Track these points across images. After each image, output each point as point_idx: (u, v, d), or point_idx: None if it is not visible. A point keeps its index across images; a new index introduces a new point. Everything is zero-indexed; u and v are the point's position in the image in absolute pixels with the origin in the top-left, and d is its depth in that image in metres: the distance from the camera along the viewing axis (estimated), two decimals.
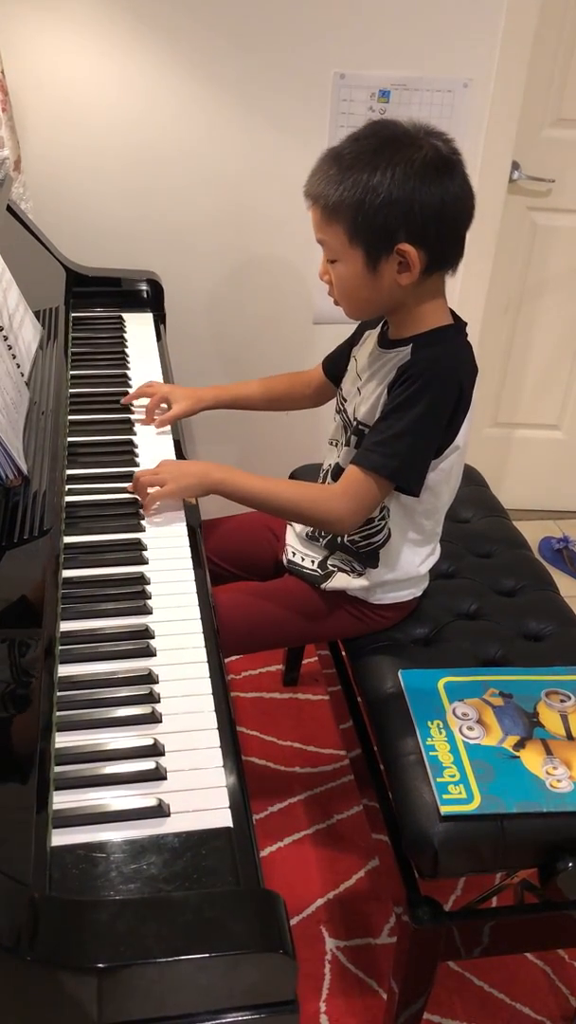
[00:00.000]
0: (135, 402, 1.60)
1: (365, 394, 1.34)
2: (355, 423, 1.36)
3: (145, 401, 1.58)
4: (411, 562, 1.41)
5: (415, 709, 1.28)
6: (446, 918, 1.22)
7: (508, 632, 1.47)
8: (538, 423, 2.69)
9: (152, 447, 1.49)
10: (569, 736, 1.25)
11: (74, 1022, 0.72)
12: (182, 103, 1.96)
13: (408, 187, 1.14)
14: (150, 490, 1.32)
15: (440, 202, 1.15)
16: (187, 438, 1.62)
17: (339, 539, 1.42)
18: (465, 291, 2.27)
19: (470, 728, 1.25)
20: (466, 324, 1.31)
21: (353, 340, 1.47)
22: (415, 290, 1.23)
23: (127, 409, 1.58)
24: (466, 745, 1.22)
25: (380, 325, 1.36)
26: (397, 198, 1.14)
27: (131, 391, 1.63)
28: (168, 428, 1.54)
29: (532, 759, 1.21)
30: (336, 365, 1.51)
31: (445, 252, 1.21)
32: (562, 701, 1.30)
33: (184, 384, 1.65)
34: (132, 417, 1.57)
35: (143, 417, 1.56)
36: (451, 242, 1.20)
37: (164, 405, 1.58)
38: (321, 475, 1.51)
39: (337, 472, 1.41)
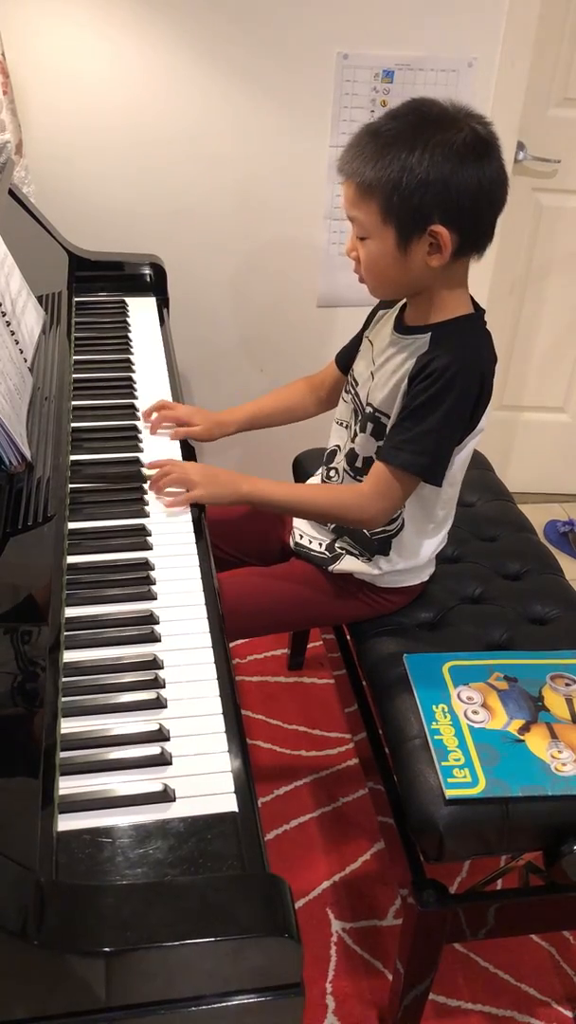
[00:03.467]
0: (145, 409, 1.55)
1: (380, 380, 1.33)
2: (369, 409, 1.35)
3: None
4: (423, 551, 1.42)
5: (420, 693, 1.29)
6: (451, 901, 1.22)
7: (513, 616, 1.47)
8: (544, 406, 2.68)
9: (157, 435, 1.49)
10: (574, 720, 1.25)
11: (82, 1005, 0.73)
12: (184, 85, 1.95)
13: (446, 168, 1.13)
14: (175, 488, 1.31)
15: (477, 185, 1.15)
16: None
17: (360, 529, 1.42)
18: (470, 273, 2.24)
19: (475, 712, 1.25)
20: (484, 311, 1.30)
21: (365, 325, 1.46)
22: (442, 274, 1.22)
23: (131, 395, 1.58)
24: (471, 729, 1.22)
25: (398, 308, 1.35)
26: (435, 179, 1.13)
27: (134, 376, 1.62)
28: (174, 424, 1.53)
29: (537, 743, 1.21)
30: (349, 356, 1.50)
31: (477, 236, 1.20)
32: (567, 685, 1.30)
33: (190, 368, 1.64)
34: (136, 403, 1.56)
35: (160, 422, 1.51)
36: (484, 226, 1.20)
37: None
38: (326, 454, 1.50)
39: (352, 456, 1.40)
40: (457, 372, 1.21)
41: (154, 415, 1.50)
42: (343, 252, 1.30)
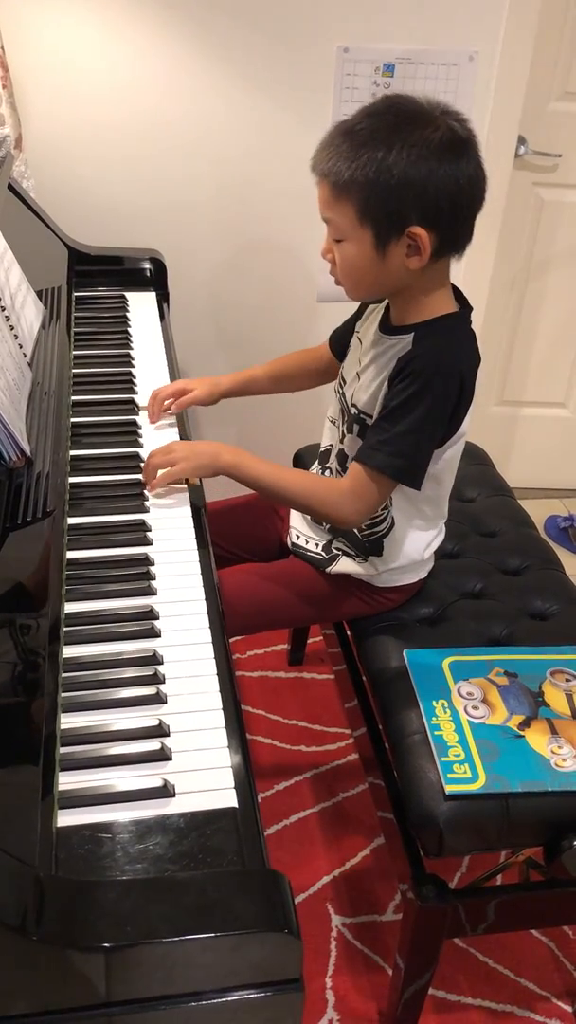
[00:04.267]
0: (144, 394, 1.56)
1: (364, 381, 1.32)
2: (353, 410, 1.34)
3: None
4: (416, 548, 1.41)
5: (420, 688, 1.28)
6: (451, 896, 1.22)
7: (513, 611, 1.47)
8: (544, 401, 2.68)
9: (155, 427, 1.49)
10: (574, 715, 1.25)
11: (82, 1000, 0.73)
12: (185, 80, 1.94)
13: (424, 168, 1.10)
14: (161, 471, 1.31)
15: (456, 185, 1.12)
16: (190, 419, 1.61)
17: (337, 527, 1.42)
18: (470, 267, 2.25)
19: (475, 707, 1.25)
20: (471, 309, 1.29)
21: (358, 315, 1.45)
22: (421, 274, 1.20)
23: (131, 390, 1.57)
24: (471, 724, 1.22)
25: (384, 307, 1.34)
26: (412, 179, 1.10)
27: (134, 371, 1.62)
28: (173, 413, 1.53)
29: (537, 738, 1.21)
30: (341, 341, 1.49)
31: (456, 236, 1.18)
32: (567, 680, 1.30)
33: (190, 364, 1.64)
34: (136, 398, 1.56)
35: (155, 405, 1.52)
36: (463, 226, 1.17)
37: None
38: (320, 453, 1.50)
39: (342, 458, 1.40)
40: (435, 373, 1.20)
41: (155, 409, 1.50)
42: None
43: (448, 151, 1.11)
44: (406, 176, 1.10)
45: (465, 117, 1.14)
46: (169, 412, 1.52)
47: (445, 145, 1.10)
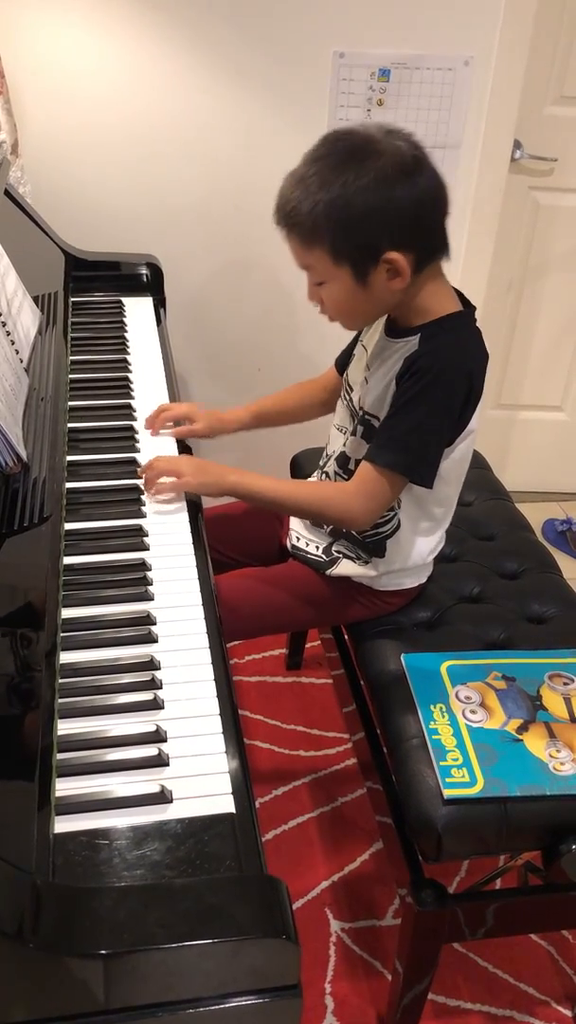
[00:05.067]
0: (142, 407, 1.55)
1: (372, 383, 1.32)
2: (362, 412, 1.34)
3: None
4: (420, 552, 1.41)
5: (418, 693, 1.28)
6: (450, 900, 1.22)
7: (511, 615, 1.47)
8: (541, 404, 2.68)
9: (154, 431, 1.49)
10: (572, 719, 1.25)
11: (80, 1007, 0.72)
12: (181, 85, 1.94)
13: (381, 195, 1.12)
14: (166, 479, 1.31)
15: (416, 203, 1.14)
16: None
17: (345, 529, 1.42)
18: (467, 271, 2.25)
19: (473, 711, 1.25)
20: (475, 308, 1.29)
21: (359, 332, 1.46)
22: (412, 287, 1.21)
23: (128, 395, 1.58)
24: (469, 728, 1.22)
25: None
26: (373, 208, 1.12)
27: (131, 376, 1.62)
28: (173, 424, 1.53)
29: (535, 742, 1.21)
30: (347, 361, 1.50)
31: (431, 247, 1.19)
32: (565, 684, 1.30)
33: (186, 369, 1.64)
34: (133, 403, 1.56)
35: (157, 422, 1.50)
36: (435, 236, 1.19)
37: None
38: (323, 459, 1.50)
39: (343, 459, 1.40)
40: (442, 370, 1.21)
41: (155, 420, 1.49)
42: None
43: (401, 173, 1.12)
44: (367, 207, 1.12)
45: (409, 132, 1.16)
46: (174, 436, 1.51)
47: (396, 168, 1.12)
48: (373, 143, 1.13)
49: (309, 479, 1.64)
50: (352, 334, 1.47)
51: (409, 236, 1.15)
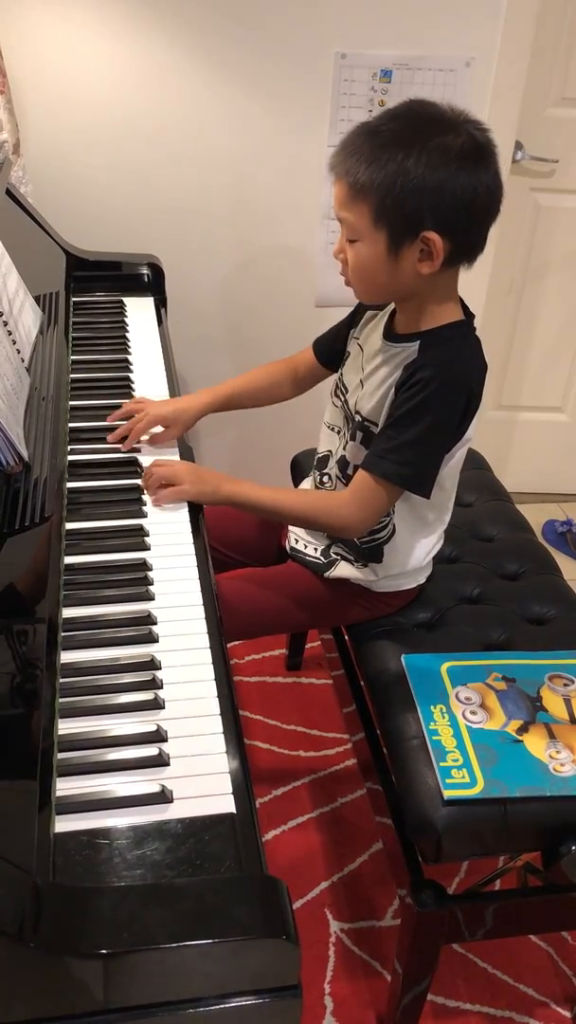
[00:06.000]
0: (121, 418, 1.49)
1: (369, 388, 1.32)
2: (358, 418, 1.34)
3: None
4: (416, 555, 1.41)
5: (418, 693, 1.28)
6: (449, 901, 1.22)
7: (511, 616, 1.47)
8: (542, 406, 2.68)
9: (152, 431, 1.48)
10: (572, 720, 1.25)
11: (80, 1007, 0.72)
12: (183, 85, 1.94)
13: (442, 174, 1.10)
14: (164, 487, 1.31)
15: (473, 192, 1.12)
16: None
17: (340, 536, 1.42)
18: (468, 272, 2.24)
19: (473, 712, 1.25)
20: (474, 317, 1.29)
21: (351, 322, 1.45)
22: (431, 282, 1.20)
23: (129, 395, 1.57)
24: (469, 729, 1.22)
25: (387, 314, 1.34)
26: (430, 184, 1.10)
27: (132, 376, 1.62)
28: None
29: (535, 743, 1.21)
30: (330, 349, 1.49)
31: (469, 245, 1.18)
32: (565, 685, 1.30)
33: (188, 369, 1.63)
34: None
35: (132, 438, 1.44)
36: (477, 236, 1.17)
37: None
38: (317, 459, 1.50)
39: (343, 464, 1.40)
40: (443, 382, 1.20)
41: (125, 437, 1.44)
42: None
43: (468, 159, 1.11)
44: (424, 180, 1.11)
45: (487, 127, 1.15)
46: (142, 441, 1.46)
47: (465, 152, 1.11)
48: (452, 122, 1.12)
49: (305, 480, 1.64)
50: (337, 320, 1.46)
51: (454, 223, 1.14)
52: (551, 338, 2.55)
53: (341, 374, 1.43)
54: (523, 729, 1.23)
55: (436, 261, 1.16)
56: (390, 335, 1.30)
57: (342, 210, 1.19)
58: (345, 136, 1.18)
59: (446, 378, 1.20)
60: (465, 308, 1.29)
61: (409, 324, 1.27)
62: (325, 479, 1.47)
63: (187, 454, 1.46)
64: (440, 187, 1.11)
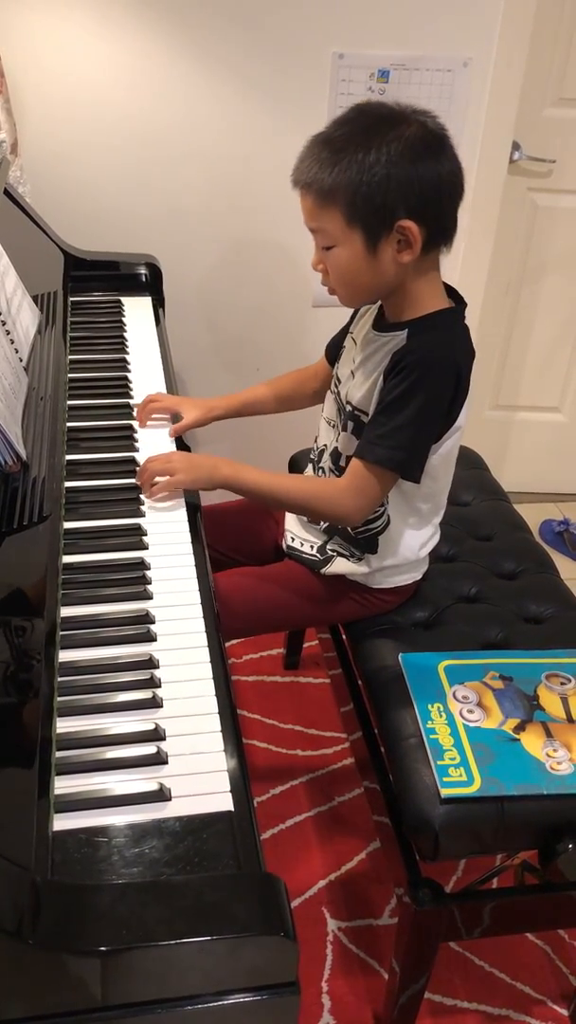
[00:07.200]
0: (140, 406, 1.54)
1: (359, 378, 1.33)
2: (349, 407, 1.35)
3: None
4: (411, 547, 1.41)
5: (415, 692, 1.29)
6: (447, 899, 1.22)
7: (508, 615, 1.48)
8: (539, 405, 2.68)
9: (152, 433, 1.49)
10: (569, 719, 1.25)
11: (78, 1004, 0.73)
12: (181, 85, 1.95)
13: (405, 163, 1.13)
14: (159, 478, 1.32)
15: (437, 176, 1.15)
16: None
17: (337, 525, 1.42)
18: (465, 272, 2.26)
19: (470, 711, 1.25)
20: (465, 305, 1.30)
21: (351, 321, 1.46)
22: (413, 269, 1.22)
23: (127, 394, 1.58)
24: (466, 728, 1.23)
25: (377, 307, 1.35)
26: (395, 175, 1.13)
27: (130, 376, 1.62)
28: (168, 416, 1.53)
29: (532, 742, 1.21)
30: (337, 350, 1.50)
31: (443, 227, 1.20)
32: (562, 684, 1.31)
33: (186, 368, 1.64)
34: (132, 402, 1.56)
35: (142, 413, 1.51)
36: (448, 217, 1.20)
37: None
38: (315, 452, 1.50)
39: (336, 455, 1.41)
40: (430, 366, 1.21)
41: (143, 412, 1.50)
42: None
43: (425, 145, 1.15)
44: (389, 172, 1.13)
45: (435, 114, 1.18)
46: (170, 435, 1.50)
47: (422, 141, 1.14)
48: (402, 116, 1.16)
49: (303, 474, 1.64)
50: (343, 322, 1.47)
51: (425, 210, 1.16)
52: (548, 338, 2.56)
53: (336, 368, 1.44)
54: (520, 728, 1.23)
55: (415, 247, 1.18)
56: (379, 325, 1.32)
57: (312, 220, 1.22)
58: (301, 150, 1.21)
59: (433, 362, 1.22)
60: (457, 296, 1.30)
61: (397, 314, 1.29)
62: (319, 472, 1.47)
63: (183, 449, 1.46)
64: (406, 176, 1.14)
